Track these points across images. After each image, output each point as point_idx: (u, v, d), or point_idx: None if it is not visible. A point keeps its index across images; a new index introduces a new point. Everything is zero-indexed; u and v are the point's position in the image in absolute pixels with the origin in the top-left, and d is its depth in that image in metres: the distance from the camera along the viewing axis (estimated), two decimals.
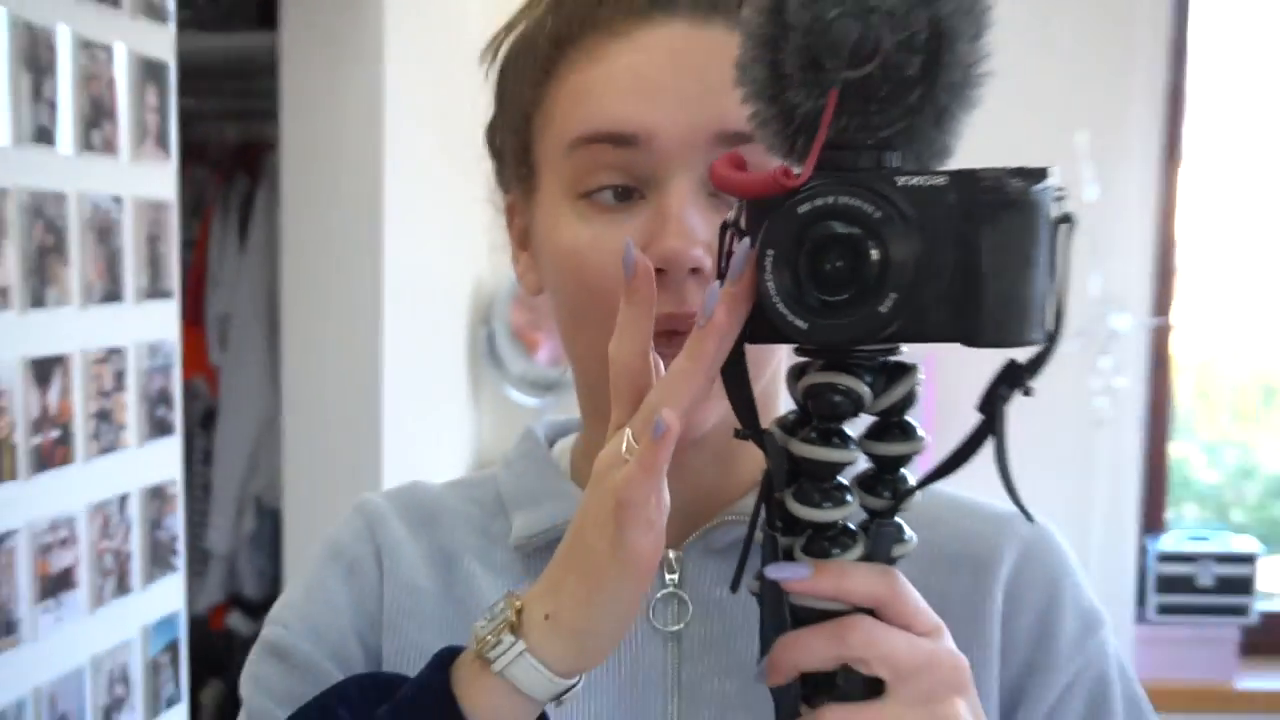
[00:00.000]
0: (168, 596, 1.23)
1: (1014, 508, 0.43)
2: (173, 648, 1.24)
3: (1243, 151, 2.20)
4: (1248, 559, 1.97)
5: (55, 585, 1.04)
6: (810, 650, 0.41)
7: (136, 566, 1.14)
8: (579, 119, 0.50)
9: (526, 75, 0.53)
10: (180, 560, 1.27)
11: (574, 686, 0.43)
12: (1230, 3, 2.11)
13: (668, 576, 0.57)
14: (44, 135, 1.00)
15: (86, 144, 1.03)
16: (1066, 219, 0.40)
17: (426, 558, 0.58)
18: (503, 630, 0.42)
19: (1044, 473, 1.95)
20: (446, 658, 0.45)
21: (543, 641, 0.41)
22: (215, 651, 1.74)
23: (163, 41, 1.14)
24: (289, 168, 1.52)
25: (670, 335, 0.47)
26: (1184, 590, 2.04)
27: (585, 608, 0.42)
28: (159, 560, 1.18)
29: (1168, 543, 2.05)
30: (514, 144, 0.55)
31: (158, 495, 1.17)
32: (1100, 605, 0.57)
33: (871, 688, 0.41)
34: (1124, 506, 2.09)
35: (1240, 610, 1.96)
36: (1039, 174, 0.39)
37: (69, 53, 1.03)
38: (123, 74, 1.09)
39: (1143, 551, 2.09)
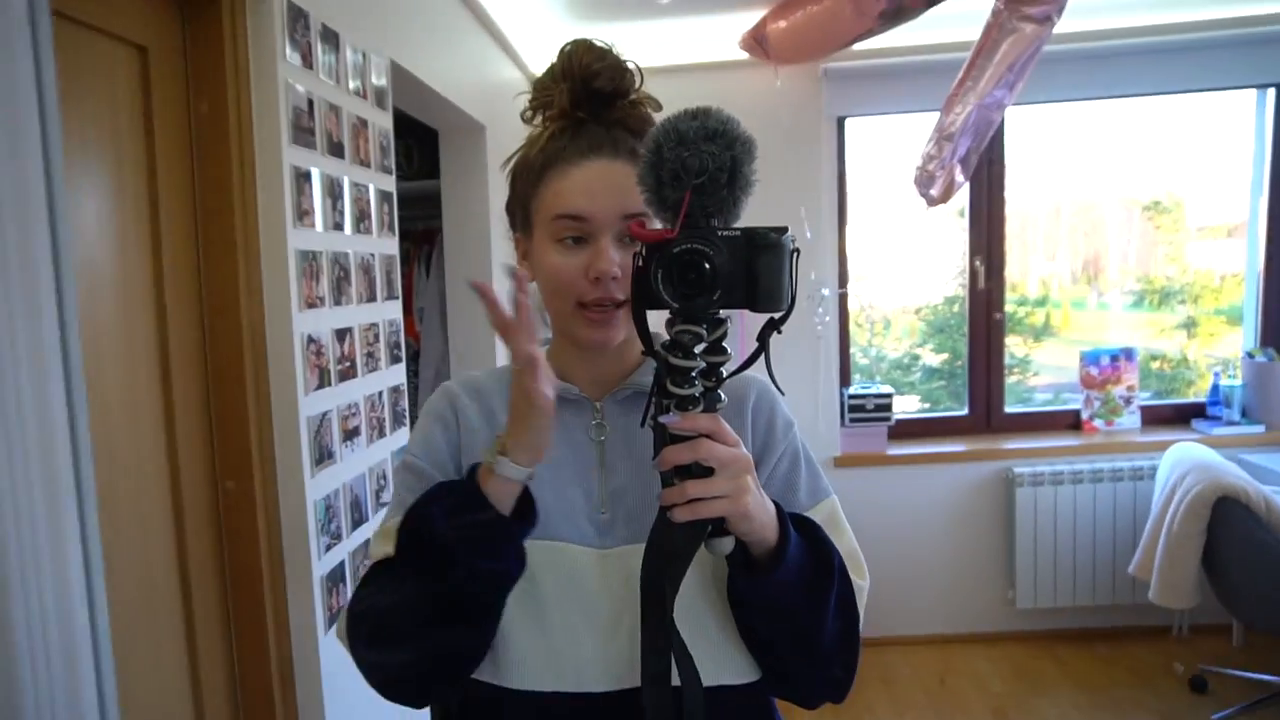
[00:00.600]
0: (402, 437, 1.97)
1: (755, 374, 0.87)
2: None
3: (874, 213, 3.73)
4: (887, 395, 3.52)
5: (350, 435, 1.72)
6: (679, 455, 0.75)
7: (387, 424, 1.91)
8: (557, 206, 0.87)
9: (527, 180, 0.91)
10: (407, 418, 2.04)
11: (533, 473, 0.78)
12: (869, 137, 3.68)
13: (595, 414, 0.94)
14: (339, 226, 1.67)
15: (357, 229, 1.75)
16: (797, 250, 0.76)
17: (479, 414, 0.94)
18: (494, 452, 0.78)
19: (797, 363, 3.38)
20: (471, 470, 0.80)
21: (510, 454, 0.77)
22: None
23: (389, 182, 1.91)
24: (450, 239, 2.90)
25: (597, 309, 0.86)
26: (860, 411, 3.54)
27: (523, 435, 0.77)
28: (397, 419, 1.96)
29: (851, 391, 3.60)
30: (520, 213, 0.93)
31: (395, 390, 1.95)
32: (792, 417, 0.97)
33: (708, 472, 0.75)
34: (832, 375, 3.62)
35: (885, 419, 3.49)
36: (783, 229, 0.74)
37: (348, 189, 1.69)
38: (372, 198, 1.83)
39: (841, 394, 3.59)
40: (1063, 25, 2.72)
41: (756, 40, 3.10)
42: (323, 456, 1.63)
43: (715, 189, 0.71)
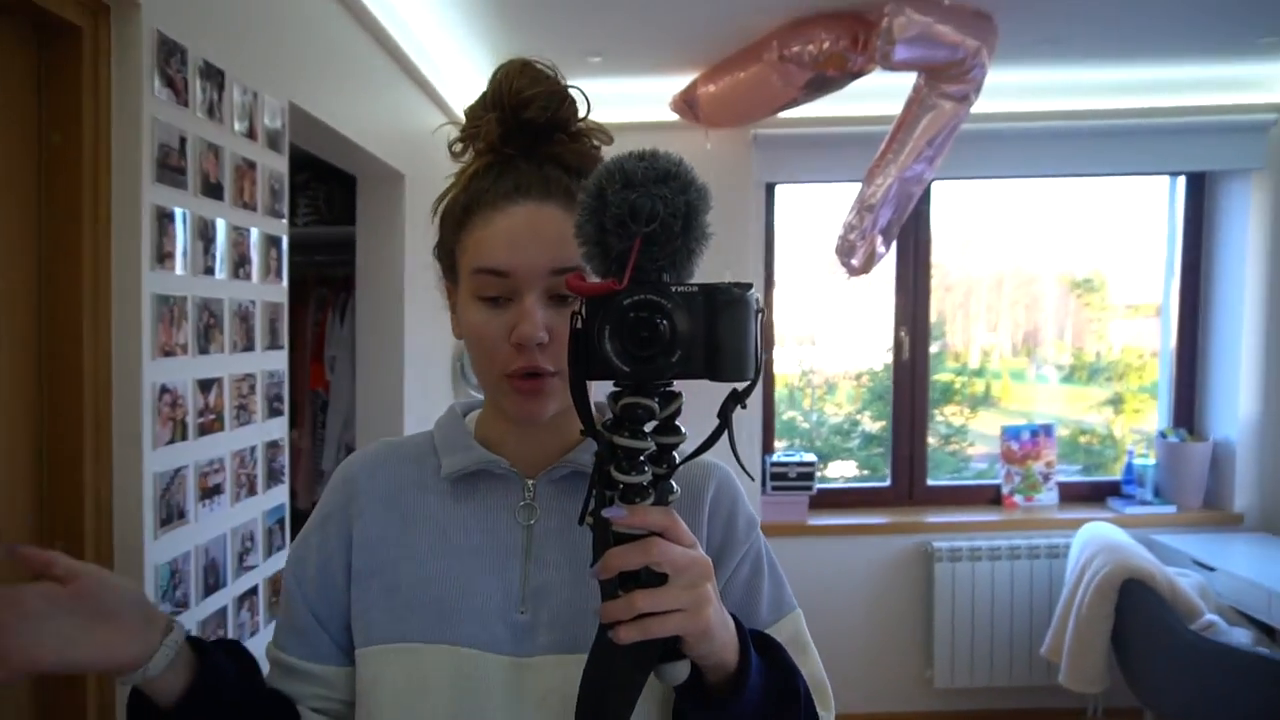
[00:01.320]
0: (278, 496, 1.86)
1: (714, 460, 0.73)
2: (280, 521, 1.87)
3: (810, 279, 3.80)
4: (810, 464, 3.48)
5: (210, 493, 1.59)
6: (626, 559, 0.61)
7: (260, 482, 1.77)
8: (476, 258, 0.75)
9: (450, 225, 0.79)
10: (285, 475, 1.90)
11: (148, 671, 0.68)
12: (804, 205, 3.74)
13: (525, 493, 0.80)
14: (210, 270, 1.56)
15: (235, 275, 1.65)
16: (762, 310, 0.63)
17: (382, 491, 0.82)
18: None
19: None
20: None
21: None
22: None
23: (279, 227, 1.81)
24: (361, 289, 2.81)
25: (524, 379, 0.74)
26: (782, 479, 3.47)
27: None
28: (273, 477, 1.84)
29: (774, 458, 3.54)
30: (446, 261, 0.81)
31: (273, 446, 1.83)
32: (755, 513, 0.84)
33: (660, 580, 0.62)
34: (754, 441, 3.54)
35: (808, 488, 3.43)
36: (748, 285, 0.62)
37: (224, 232, 1.59)
38: (255, 242, 1.72)
39: (764, 461, 3.53)
40: (985, 106, 2.78)
41: (687, 103, 3.11)
42: (171, 516, 1.51)
43: (668, 238, 0.61)
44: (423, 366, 3.01)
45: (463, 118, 0.83)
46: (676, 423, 0.66)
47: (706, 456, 0.77)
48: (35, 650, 0.64)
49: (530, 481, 0.80)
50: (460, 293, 0.78)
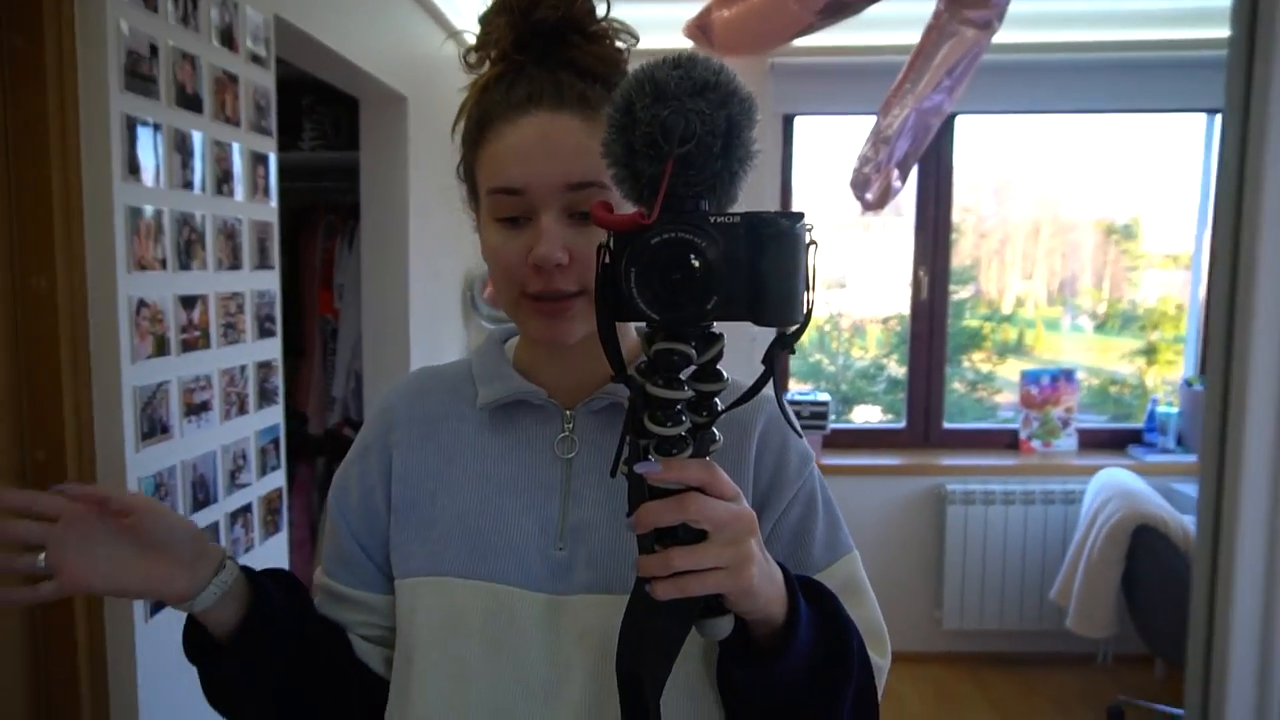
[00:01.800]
0: (272, 416, 1.87)
1: (765, 391, 0.62)
2: (275, 442, 1.88)
3: (834, 219, 3.69)
4: (823, 403, 3.43)
5: (196, 409, 1.59)
6: (661, 515, 0.57)
7: (251, 401, 1.78)
8: (490, 177, 0.72)
9: (467, 142, 0.76)
10: (279, 396, 1.89)
11: (208, 599, 0.70)
12: (816, 138, 3.62)
13: (565, 425, 0.77)
14: (188, 185, 1.54)
15: (218, 191, 1.63)
16: (814, 243, 0.56)
17: (420, 421, 0.81)
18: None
19: (729, 366, 3.26)
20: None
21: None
22: (325, 444, 3.06)
23: (266, 144, 1.78)
24: (366, 215, 2.79)
25: (544, 300, 0.71)
26: (796, 418, 3.40)
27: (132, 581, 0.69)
28: (265, 397, 1.84)
29: (787, 396, 3.44)
30: (469, 181, 0.78)
31: (265, 366, 1.83)
32: (809, 449, 0.78)
33: (699, 535, 0.57)
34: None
35: (821, 428, 3.38)
36: (798, 215, 0.55)
37: (203, 146, 1.55)
38: (239, 158, 1.70)
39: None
40: (1009, 35, 2.64)
41: (701, 29, 3.00)
42: (154, 430, 1.51)
43: (706, 159, 0.55)
44: (429, 294, 2.99)
45: (468, 38, 0.79)
46: (718, 367, 0.61)
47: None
48: (86, 571, 0.67)
49: (569, 412, 0.78)
50: (481, 217, 0.76)
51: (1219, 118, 3.45)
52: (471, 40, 0.78)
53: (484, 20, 0.76)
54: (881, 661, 0.76)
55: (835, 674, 0.67)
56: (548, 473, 0.76)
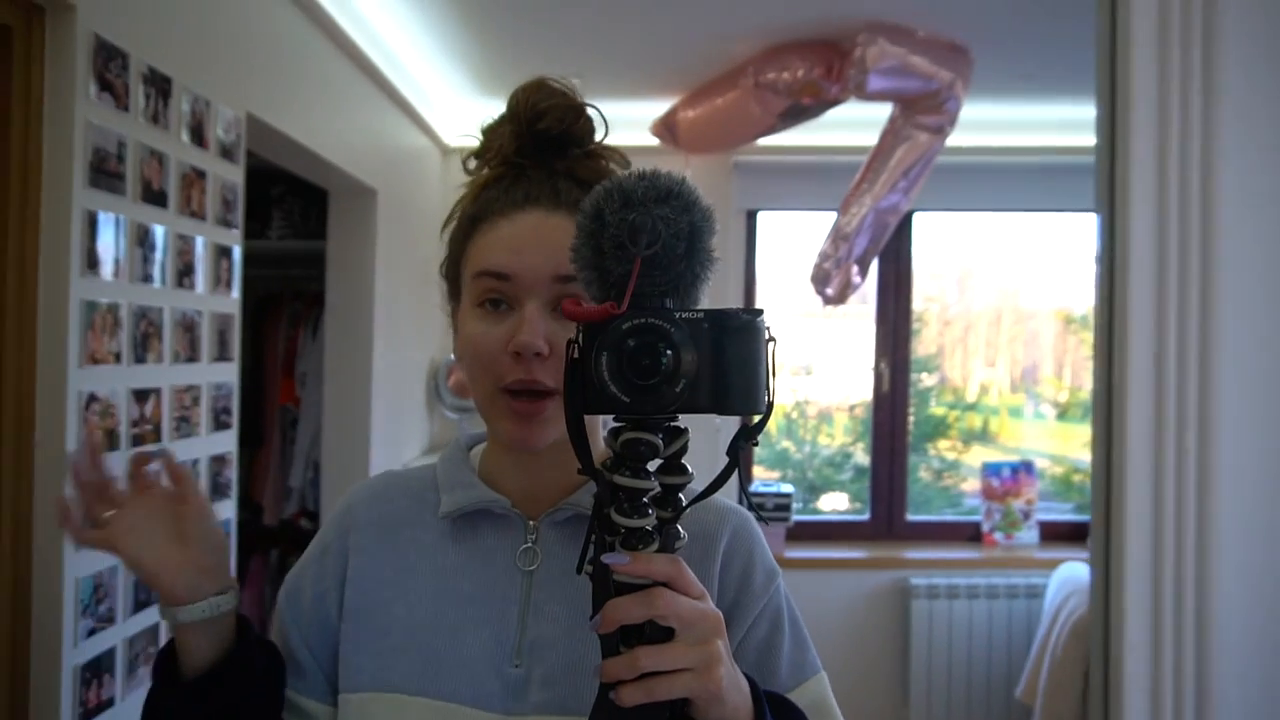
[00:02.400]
0: (224, 510, 1.82)
1: (731, 503, 0.66)
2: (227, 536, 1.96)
3: (797, 309, 3.77)
4: (786, 495, 3.41)
5: None
6: (628, 610, 0.56)
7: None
8: (479, 261, 0.73)
9: (457, 236, 0.77)
10: (233, 491, 1.86)
11: (205, 611, 0.70)
12: (779, 232, 3.72)
13: (528, 536, 0.76)
14: (148, 279, 1.54)
15: (179, 284, 1.63)
16: (773, 339, 0.58)
17: (378, 526, 0.80)
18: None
19: (692, 457, 3.27)
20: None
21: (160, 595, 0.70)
22: (280, 535, 3.00)
23: (230, 237, 1.79)
24: (330, 304, 2.79)
25: (522, 394, 0.70)
26: (759, 509, 3.38)
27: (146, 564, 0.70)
28: (219, 491, 1.79)
29: (750, 488, 3.46)
30: (451, 275, 0.79)
31: (219, 460, 1.80)
32: (775, 564, 0.77)
33: (666, 635, 0.57)
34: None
35: (784, 519, 3.37)
36: (759, 311, 0.58)
37: (165, 240, 1.56)
38: (202, 252, 1.70)
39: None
40: (962, 139, 2.76)
41: (667, 128, 3.11)
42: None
43: (670, 261, 0.57)
44: (393, 384, 2.97)
45: (441, 137, 0.84)
46: (683, 461, 0.62)
47: (719, 498, 0.73)
48: (123, 534, 0.70)
49: (532, 523, 0.76)
50: (462, 304, 0.76)
51: None
52: (449, 143, 0.81)
53: (487, 130, 0.79)
54: None
55: None
56: (507, 585, 0.75)
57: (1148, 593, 1.42)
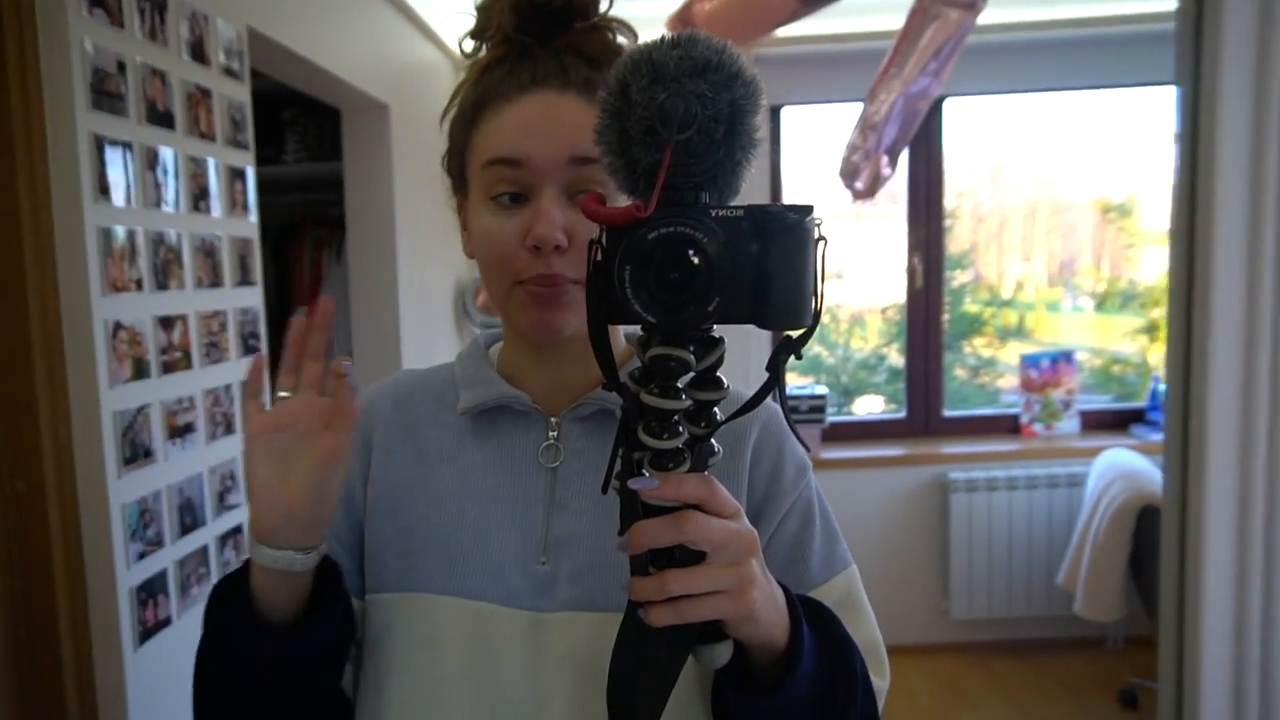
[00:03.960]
0: None
1: (766, 402, 0.58)
2: None
3: (830, 209, 3.62)
4: (821, 396, 3.40)
5: (180, 431, 1.55)
6: (657, 535, 0.54)
7: (239, 421, 1.72)
8: (487, 149, 0.69)
9: (460, 125, 0.73)
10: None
11: (308, 558, 0.64)
12: (805, 128, 3.57)
13: (550, 433, 0.74)
14: (161, 203, 1.51)
15: (194, 208, 1.60)
16: (824, 238, 0.52)
17: (400, 427, 0.78)
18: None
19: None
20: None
21: (261, 535, 0.64)
22: None
23: (243, 158, 1.75)
24: (352, 226, 2.75)
25: (541, 285, 0.68)
26: (794, 412, 3.42)
27: (270, 503, 0.63)
28: None
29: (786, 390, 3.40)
30: (455, 168, 0.75)
31: None
32: (806, 456, 0.75)
33: (697, 556, 0.54)
34: (763, 374, 3.44)
35: (819, 421, 3.35)
36: (807, 209, 0.51)
37: (177, 163, 1.53)
38: (216, 174, 1.66)
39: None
40: (994, 15, 2.61)
41: (683, 22, 2.97)
42: (136, 455, 1.48)
43: (707, 148, 0.51)
44: (420, 304, 2.96)
45: (451, 46, 0.78)
46: (718, 374, 0.56)
47: (745, 393, 0.70)
48: (261, 442, 0.64)
49: (554, 419, 0.74)
50: (471, 199, 0.72)
51: None
52: (460, 55, 0.76)
53: (483, 6, 0.73)
54: (881, 682, 0.72)
55: (840, 701, 0.63)
56: (531, 483, 0.73)
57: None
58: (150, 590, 1.52)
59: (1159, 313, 3.88)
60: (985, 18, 2.55)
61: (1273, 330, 1.23)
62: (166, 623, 1.55)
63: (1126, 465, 2.83)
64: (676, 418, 0.55)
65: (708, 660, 0.59)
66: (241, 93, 1.81)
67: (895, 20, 2.67)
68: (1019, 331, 3.96)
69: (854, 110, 2.81)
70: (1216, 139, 1.21)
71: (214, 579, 1.71)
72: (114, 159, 1.42)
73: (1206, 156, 1.24)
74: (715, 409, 0.57)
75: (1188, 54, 1.25)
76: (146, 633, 1.50)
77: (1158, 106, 3.64)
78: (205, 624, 0.70)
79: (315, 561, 0.66)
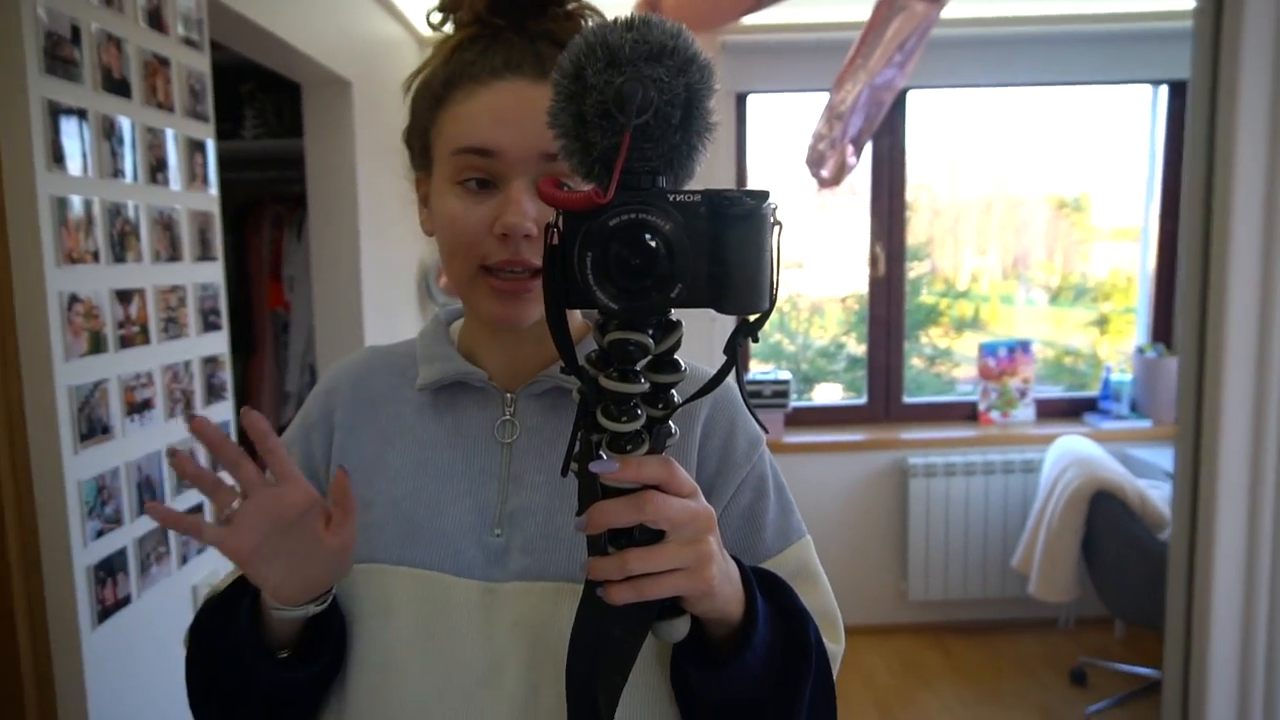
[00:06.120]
0: (222, 413, 1.80)
1: (711, 371, 0.60)
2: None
3: (793, 197, 3.65)
4: (784, 382, 3.41)
5: (139, 408, 1.52)
6: (617, 515, 0.54)
7: (198, 398, 1.72)
8: (457, 136, 0.67)
9: (426, 102, 0.71)
10: (228, 392, 1.83)
11: (309, 610, 0.65)
12: (770, 117, 3.57)
13: (505, 409, 0.75)
14: (119, 173, 1.47)
15: (152, 180, 1.57)
16: (779, 224, 0.52)
17: (363, 404, 0.79)
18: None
19: (688, 346, 3.26)
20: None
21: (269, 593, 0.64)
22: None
23: (202, 130, 1.72)
24: (313, 204, 2.71)
25: (504, 278, 0.68)
26: (757, 397, 3.44)
27: (270, 572, 0.62)
28: (214, 393, 1.78)
29: (748, 376, 3.49)
30: (419, 145, 0.73)
31: (211, 361, 1.76)
32: (760, 430, 0.74)
33: (656, 535, 0.55)
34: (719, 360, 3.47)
35: (782, 406, 3.38)
36: (763, 194, 0.51)
37: (134, 132, 1.49)
38: (174, 146, 1.63)
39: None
40: (960, 9, 2.64)
41: (651, 6, 2.97)
42: (94, 431, 1.45)
43: (664, 132, 0.50)
44: (383, 283, 2.93)
45: (416, 24, 0.76)
46: (676, 357, 0.56)
47: (700, 368, 0.70)
48: (249, 541, 0.61)
49: (510, 395, 0.75)
50: (435, 180, 0.71)
51: (1163, 89, 3.50)
52: (424, 33, 0.76)
53: None
54: (835, 647, 0.73)
55: (794, 669, 0.65)
56: (487, 457, 0.74)
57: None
58: (109, 569, 1.49)
59: (1109, 306, 3.98)
60: (948, 12, 2.58)
61: None
62: (126, 601, 1.52)
63: (1080, 452, 2.90)
64: (635, 401, 0.55)
65: (666, 635, 0.60)
66: (201, 63, 1.77)
67: (861, 11, 2.69)
68: (974, 323, 4.02)
69: (820, 99, 2.83)
70: (1235, 139, 1.20)
71: (174, 558, 1.68)
72: (69, 127, 1.38)
73: (1224, 157, 1.22)
74: (673, 391, 0.57)
75: (1205, 53, 1.24)
76: (105, 611, 1.47)
77: (1113, 104, 3.72)
78: (205, 632, 0.71)
79: (326, 604, 0.68)
